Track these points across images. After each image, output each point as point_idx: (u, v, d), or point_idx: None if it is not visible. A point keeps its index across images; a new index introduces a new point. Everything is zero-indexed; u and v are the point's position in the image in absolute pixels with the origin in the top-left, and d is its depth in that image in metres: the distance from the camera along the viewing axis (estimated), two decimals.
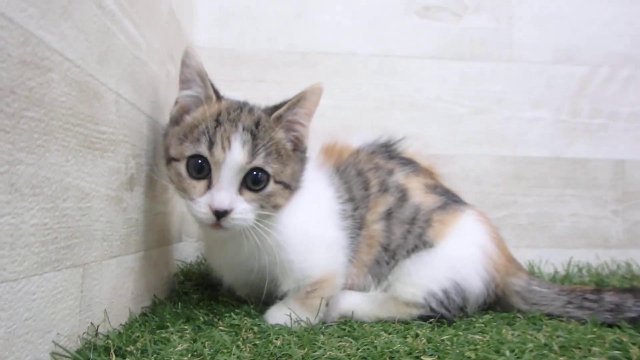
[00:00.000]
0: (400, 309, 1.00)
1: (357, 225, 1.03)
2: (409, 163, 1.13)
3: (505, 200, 1.72)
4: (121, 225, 0.89)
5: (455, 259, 1.03)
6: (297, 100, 0.93)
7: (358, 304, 1.02)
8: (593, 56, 1.77)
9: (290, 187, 0.93)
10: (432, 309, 0.99)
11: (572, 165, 1.74)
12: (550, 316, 1.05)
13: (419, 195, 1.08)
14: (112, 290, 0.84)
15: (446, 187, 1.15)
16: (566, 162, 1.74)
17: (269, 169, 0.89)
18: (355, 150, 1.12)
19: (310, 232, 0.97)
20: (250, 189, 0.88)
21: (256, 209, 0.88)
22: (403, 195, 1.07)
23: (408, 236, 1.04)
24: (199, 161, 0.87)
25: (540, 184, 1.73)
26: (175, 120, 0.95)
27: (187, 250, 1.39)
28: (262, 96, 1.69)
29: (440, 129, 1.71)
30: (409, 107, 1.71)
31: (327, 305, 0.97)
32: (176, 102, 0.98)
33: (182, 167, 0.89)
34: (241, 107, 0.94)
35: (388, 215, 1.05)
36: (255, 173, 0.88)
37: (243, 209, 0.86)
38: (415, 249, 1.03)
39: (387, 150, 1.14)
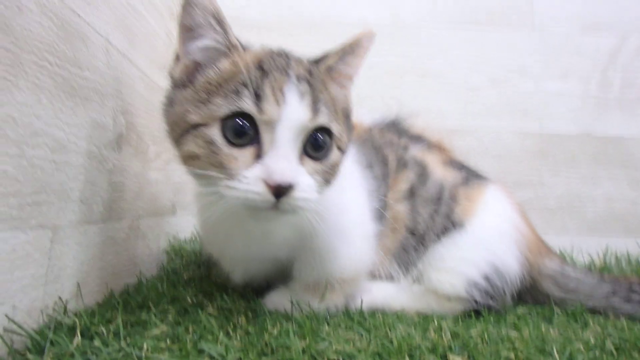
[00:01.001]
0: (442, 304, 0.89)
1: (382, 206, 0.90)
2: (419, 138, 1.04)
3: (531, 180, 1.56)
4: (104, 188, 0.78)
5: (490, 238, 0.92)
6: (350, 48, 0.74)
7: (392, 296, 0.91)
8: (622, 25, 1.63)
9: (344, 157, 0.74)
10: (476, 301, 0.89)
11: (604, 142, 1.58)
12: (593, 312, 0.94)
13: (439, 171, 0.99)
14: (88, 260, 0.74)
15: (460, 161, 1.06)
16: (597, 139, 1.58)
17: (334, 129, 0.68)
18: (368, 127, 1.04)
19: (353, 216, 0.84)
20: (311, 157, 0.67)
21: (320, 184, 0.67)
22: (423, 171, 0.97)
23: (435, 217, 0.94)
24: (240, 122, 0.63)
25: (568, 162, 1.57)
26: (182, 82, 0.70)
27: (181, 224, 1.28)
28: None
29: (456, 100, 1.58)
30: (422, 76, 1.58)
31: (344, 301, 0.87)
32: (178, 59, 0.72)
33: (214, 132, 0.63)
34: (285, 53, 0.73)
35: (411, 193, 0.95)
36: (316, 135, 0.67)
37: (308, 184, 0.64)
38: (445, 231, 0.93)
39: (396, 128, 1.06)
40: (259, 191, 0.61)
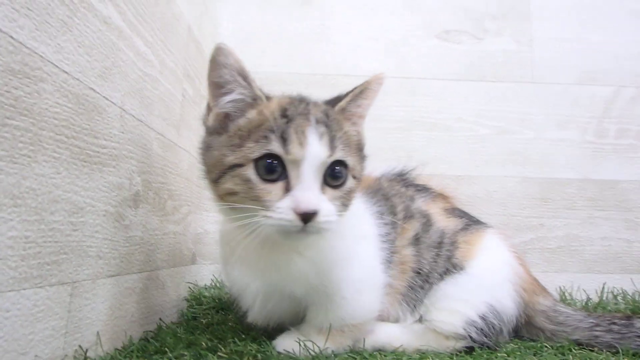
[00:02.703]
0: (440, 342, 0.94)
1: (392, 250, 0.98)
2: (424, 189, 1.12)
3: (532, 223, 1.67)
4: (122, 243, 0.85)
5: (488, 281, 0.98)
6: (361, 91, 0.88)
7: (394, 335, 0.95)
8: (617, 77, 1.75)
9: (358, 183, 0.86)
10: (472, 339, 0.93)
11: (600, 187, 1.69)
12: (580, 345, 0.99)
13: (441, 220, 1.06)
14: (107, 311, 0.80)
15: (461, 209, 1.13)
16: (594, 184, 1.69)
17: (349, 162, 0.80)
18: (377, 177, 1.13)
19: (366, 268, 0.93)
20: (331, 186, 0.79)
21: (338, 208, 0.79)
22: (427, 221, 1.05)
23: (438, 260, 1.01)
24: (270, 161, 0.76)
25: (567, 206, 1.69)
26: (216, 130, 0.83)
27: (201, 273, 1.35)
28: None
29: (463, 150, 1.69)
30: (431, 128, 1.69)
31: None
32: (209, 110, 0.85)
33: (250, 171, 0.76)
34: (304, 99, 0.86)
35: (416, 240, 1.02)
36: (334, 168, 0.79)
37: (329, 209, 0.76)
38: (447, 272, 0.99)
39: (403, 179, 1.15)
40: (290, 219, 0.73)
